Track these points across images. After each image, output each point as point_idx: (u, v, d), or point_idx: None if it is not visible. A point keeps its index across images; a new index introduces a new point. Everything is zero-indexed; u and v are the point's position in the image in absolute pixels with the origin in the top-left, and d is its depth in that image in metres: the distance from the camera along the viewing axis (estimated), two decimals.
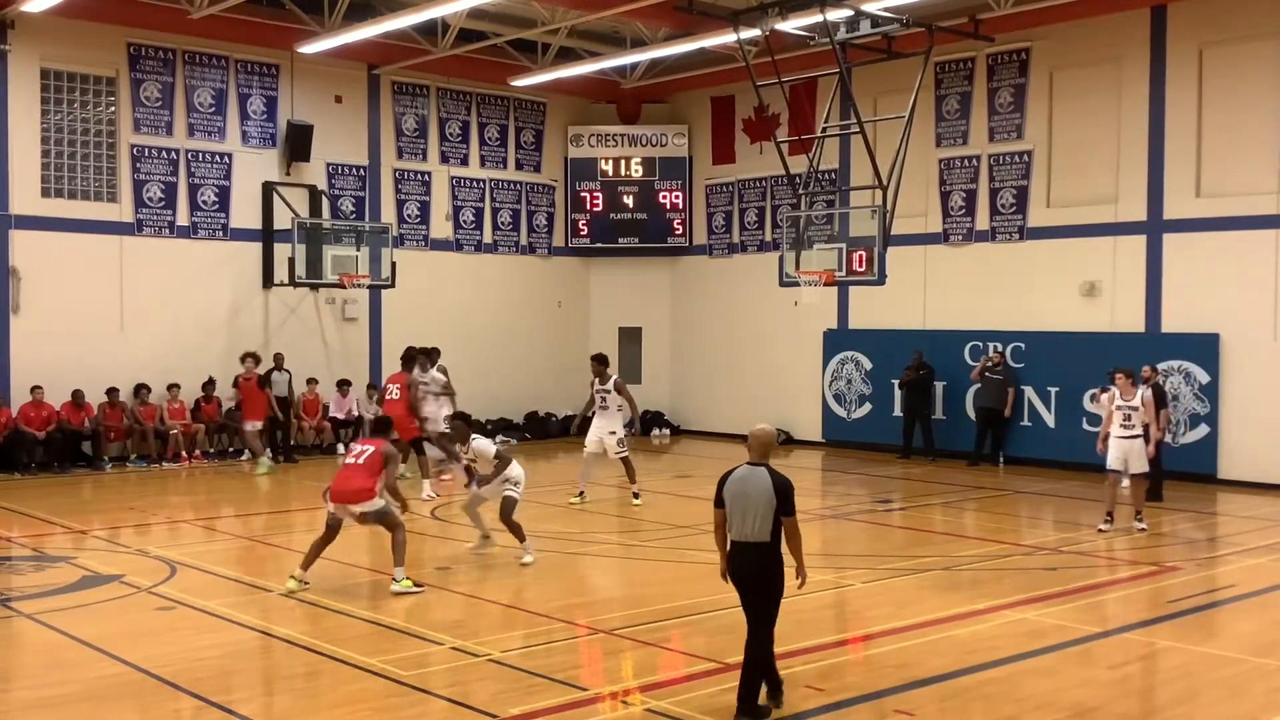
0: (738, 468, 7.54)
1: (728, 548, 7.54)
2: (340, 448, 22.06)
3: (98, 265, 20.12)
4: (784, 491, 7.35)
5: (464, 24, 21.27)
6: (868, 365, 22.81)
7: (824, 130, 20.42)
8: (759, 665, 7.44)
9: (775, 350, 24.30)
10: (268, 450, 19.77)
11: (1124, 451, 14.29)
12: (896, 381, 21.85)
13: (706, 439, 24.77)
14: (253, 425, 19.58)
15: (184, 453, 20.16)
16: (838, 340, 23.44)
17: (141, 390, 20.12)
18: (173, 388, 20.45)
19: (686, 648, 9.21)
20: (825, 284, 19.41)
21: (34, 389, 19.04)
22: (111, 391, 19.79)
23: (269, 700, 8.08)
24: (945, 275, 21.81)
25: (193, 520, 15.12)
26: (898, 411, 21.97)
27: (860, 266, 18.81)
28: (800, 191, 19.96)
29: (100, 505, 16.36)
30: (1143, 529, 14.16)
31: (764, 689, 7.50)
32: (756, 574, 7.38)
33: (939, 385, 21.42)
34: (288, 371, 20.57)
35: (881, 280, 18.89)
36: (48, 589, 10.89)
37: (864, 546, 13.59)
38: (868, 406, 22.73)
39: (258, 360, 19.66)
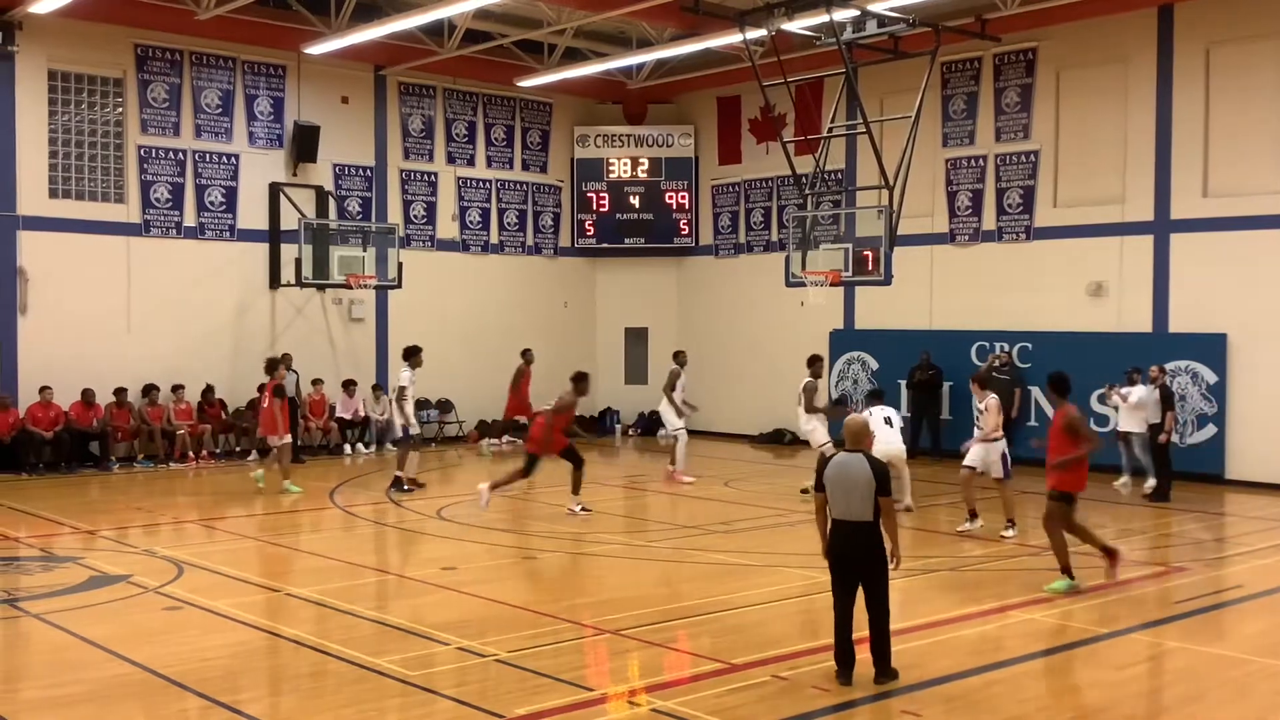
0: (836, 455, 8.25)
1: (829, 527, 8.17)
2: (347, 448, 22.11)
3: (105, 266, 20.17)
4: (882, 475, 8.03)
5: (470, 25, 21.28)
6: (874, 365, 22.79)
7: (830, 130, 20.38)
8: (877, 637, 8.07)
9: (781, 351, 24.26)
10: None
11: (985, 452, 14.03)
12: (904, 382, 21.83)
13: (712, 439, 24.74)
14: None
15: (190, 453, 20.19)
16: (844, 340, 23.42)
17: (150, 391, 20.18)
18: (179, 388, 20.51)
19: (693, 648, 9.21)
20: (831, 284, 19.39)
21: (42, 389, 19.09)
22: (119, 392, 19.84)
23: (275, 700, 8.09)
24: (952, 275, 21.78)
25: (200, 521, 15.14)
26: (905, 412, 21.92)
27: (867, 267, 18.80)
28: (806, 192, 19.93)
29: (107, 505, 16.38)
30: (1009, 537, 13.57)
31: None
32: (861, 550, 8.00)
33: (946, 385, 21.39)
34: (295, 372, 20.62)
35: (888, 280, 18.87)
36: (55, 589, 10.91)
37: None
38: None
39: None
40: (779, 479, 18.77)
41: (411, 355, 17.02)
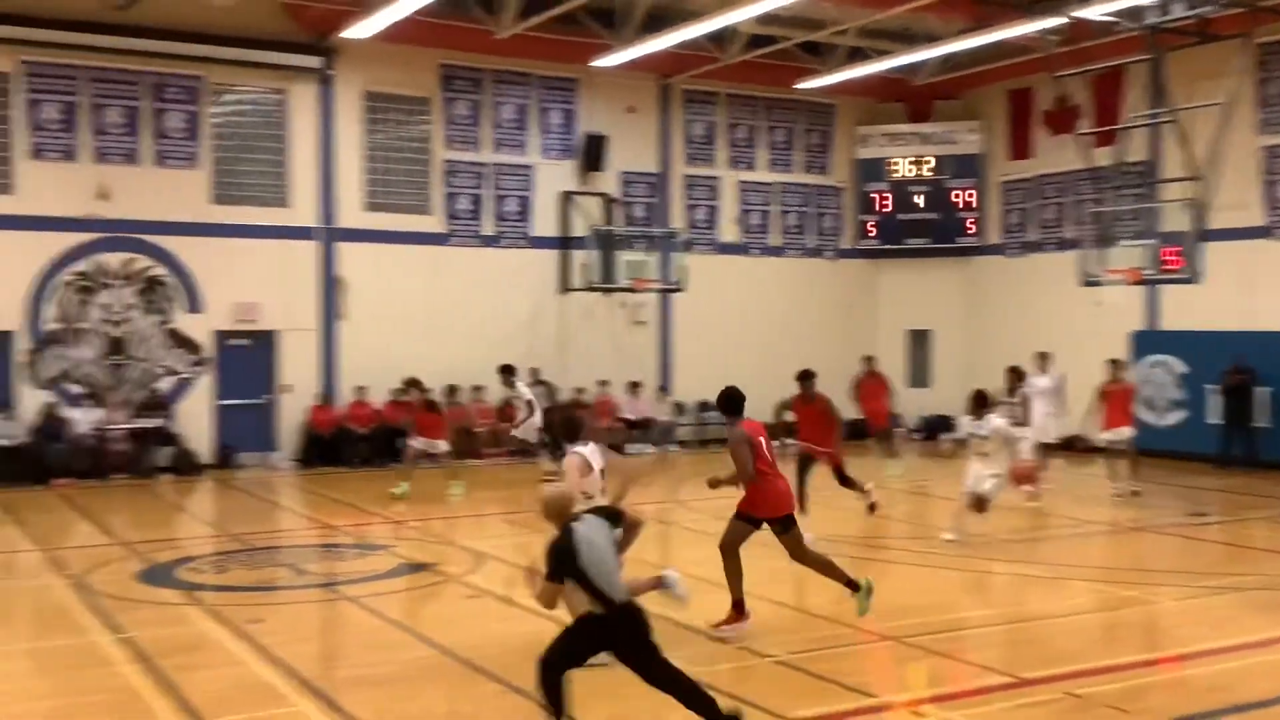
0: (578, 527, 6.76)
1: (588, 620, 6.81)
2: (631, 449, 22.70)
3: (413, 274, 21.57)
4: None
5: (752, 30, 21.42)
6: (1181, 369, 21.36)
7: (1131, 121, 19.34)
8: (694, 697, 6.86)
9: (1075, 353, 22.99)
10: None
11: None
12: (1215, 387, 20.34)
13: None
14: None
15: (489, 450, 21.24)
16: (1147, 342, 22.07)
17: (452, 391, 21.39)
18: (479, 388, 21.64)
19: (980, 659, 8.93)
20: (1131, 283, 18.44)
21: (358, 389, 20.62)
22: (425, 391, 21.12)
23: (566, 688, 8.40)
24: (1271, 272, 20.12)
25: (497, 514, 15.91)
26: (1214, 418, 20.46)
27: (1172, 264, 17.72)
28: (1105, 186, 19.02)
29: (414, 498, 17.45)
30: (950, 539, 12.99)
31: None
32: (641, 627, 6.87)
33: (1264, 391, 19.78)
34: (546, 384, 21.28)
35: (1197, 278, 17.69)
36: (368, 575, 11.76)
37: (1175, 562, 12.77)
38: (1181, 413, 21.28)
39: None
40: (1074, 488, 17.92)
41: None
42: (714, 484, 9.66)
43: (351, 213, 21.21)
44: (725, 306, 24.11)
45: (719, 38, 21.81)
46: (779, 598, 10.69)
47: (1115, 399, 16.59)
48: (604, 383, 22.72)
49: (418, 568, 12.10)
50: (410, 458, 17.35)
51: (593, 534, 6.70)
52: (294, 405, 20.74)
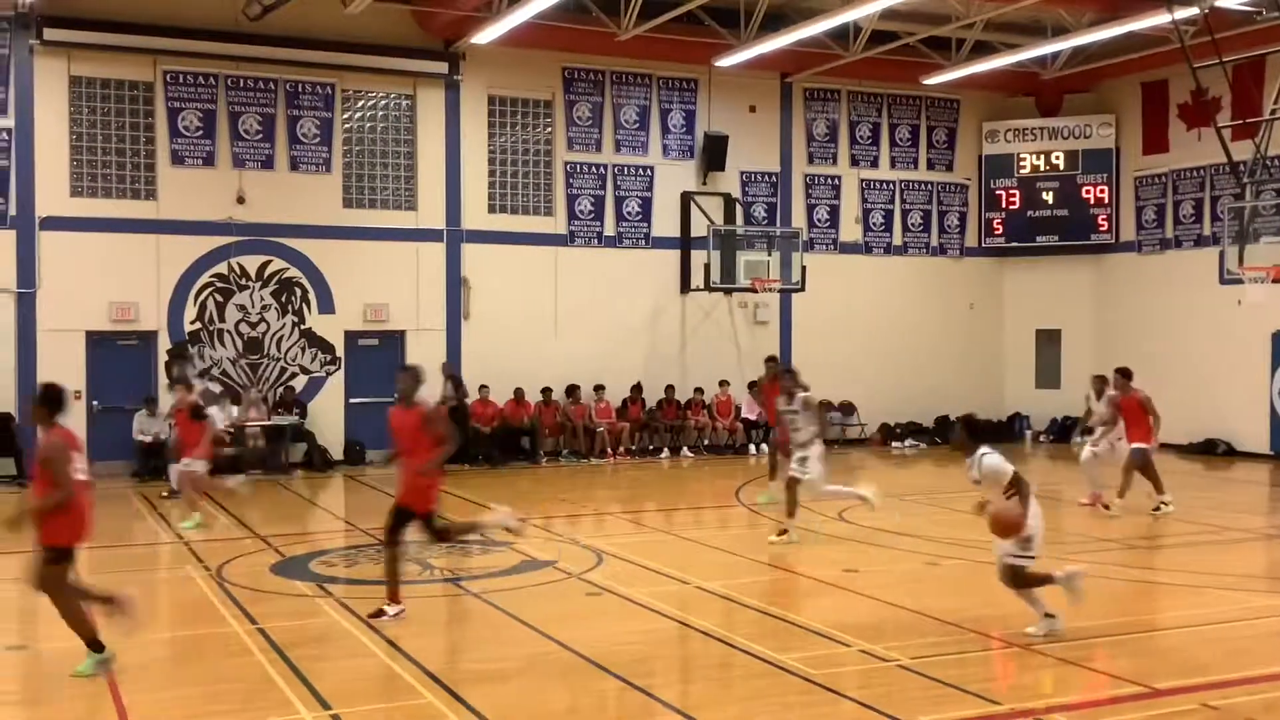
0: None
1: None
2: (752, 448, 22.66)
3: (535, 274, 21.87)
4: None
5: (875, 25, 21.18)
6: None
7: (1273, 112, 18.61)
8: None
9: (1213, 354, 22.36)
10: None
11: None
12: None
13: None
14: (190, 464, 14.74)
15: (609, 449, 21.45)
16: None
17: (573, 390, 21.64)
18: (599, 388, 21.83)
19: (1110, 668, 8.70)
20: (1274, 280, 17.75)
21: (481, 388, 20.98)
22: (546, 391, 21.42)
23: (685, 688, 8.45)
24: None
25: (618, 513, 16.03)
26: None
27: None
28: (1245, 180, 18.36)
29: (536, 496, 17.71)
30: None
31: None
32: None
33: None
34: (454, 378, 20.16)
35: None
36: (491, 571, 11.96)
37: None
38: None
39: (190, 388, 15.63)
40: (1211, 492, 17.33)
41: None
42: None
43: (476, 215, 21.59)
44: (846, 306, 23.90)
45: (841, 35, 21.60)
46: (900, 600, 10.56)
47: (1128, 411, 15.36)
48: (724, 383, 22.72)
49: (539, 565, 12.27)
50: (186, 484, 14.76)
51: None
52: None
